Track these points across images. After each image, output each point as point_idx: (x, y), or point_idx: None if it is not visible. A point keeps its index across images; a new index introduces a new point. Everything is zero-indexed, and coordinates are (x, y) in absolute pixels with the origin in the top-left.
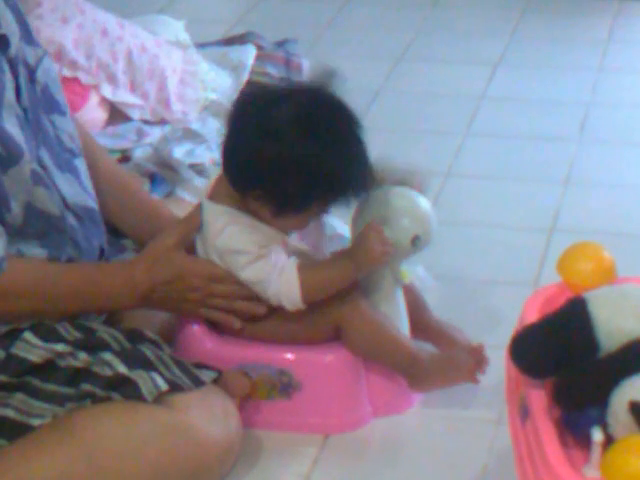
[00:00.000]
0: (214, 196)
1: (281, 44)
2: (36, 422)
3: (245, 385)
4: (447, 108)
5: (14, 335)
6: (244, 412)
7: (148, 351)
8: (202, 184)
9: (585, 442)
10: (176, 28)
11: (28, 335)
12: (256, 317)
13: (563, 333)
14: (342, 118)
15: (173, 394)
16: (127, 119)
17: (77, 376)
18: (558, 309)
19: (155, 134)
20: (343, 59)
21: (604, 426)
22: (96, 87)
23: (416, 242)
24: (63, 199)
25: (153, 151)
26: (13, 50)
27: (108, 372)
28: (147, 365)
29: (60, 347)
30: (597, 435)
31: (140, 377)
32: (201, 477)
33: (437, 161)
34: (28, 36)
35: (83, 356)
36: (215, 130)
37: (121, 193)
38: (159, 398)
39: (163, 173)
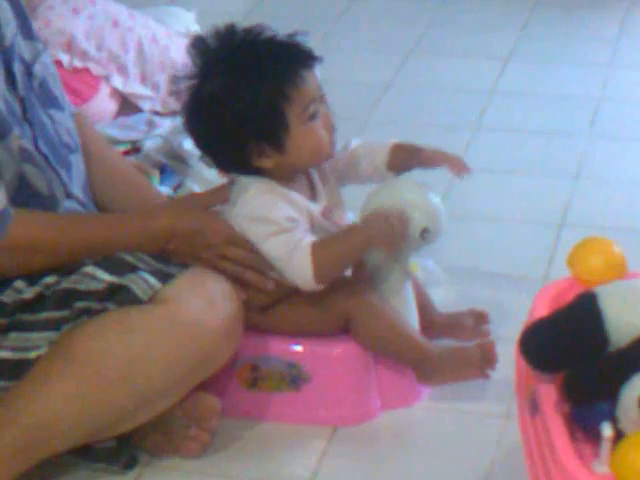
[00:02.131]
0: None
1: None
2: (32, 354)
3: (214, 408)
4: (457, 102)
5: (4, 284)
6: (253, 404)
7: (127, 256)
8: (212, 176)
9: (595, 437)
10: (187, 19)
11: (19, 284)
12: (264, 304)
13: (573, 328)
14: (260, 53)
15: (166, 287)
16: (138, 110)
17: (68, 297)
18: (568, 304)
19: (165, 125)
20: (353, 52)
21: (614, 421)
22: (107, 78)
23: (425, 235)
24: (65, 186)
25: (163, 142)
26: (9, 35)
27: (98, 285)
28: (131, 267)
29: (49, 279)
30: (607, 430)
31: (131, 281)
32: (207, 364)
33: None
34: (27, 30)
35: (68, 278)
36: None
37: (126, 186)
38: (153, 295)
39: (173, 164)
